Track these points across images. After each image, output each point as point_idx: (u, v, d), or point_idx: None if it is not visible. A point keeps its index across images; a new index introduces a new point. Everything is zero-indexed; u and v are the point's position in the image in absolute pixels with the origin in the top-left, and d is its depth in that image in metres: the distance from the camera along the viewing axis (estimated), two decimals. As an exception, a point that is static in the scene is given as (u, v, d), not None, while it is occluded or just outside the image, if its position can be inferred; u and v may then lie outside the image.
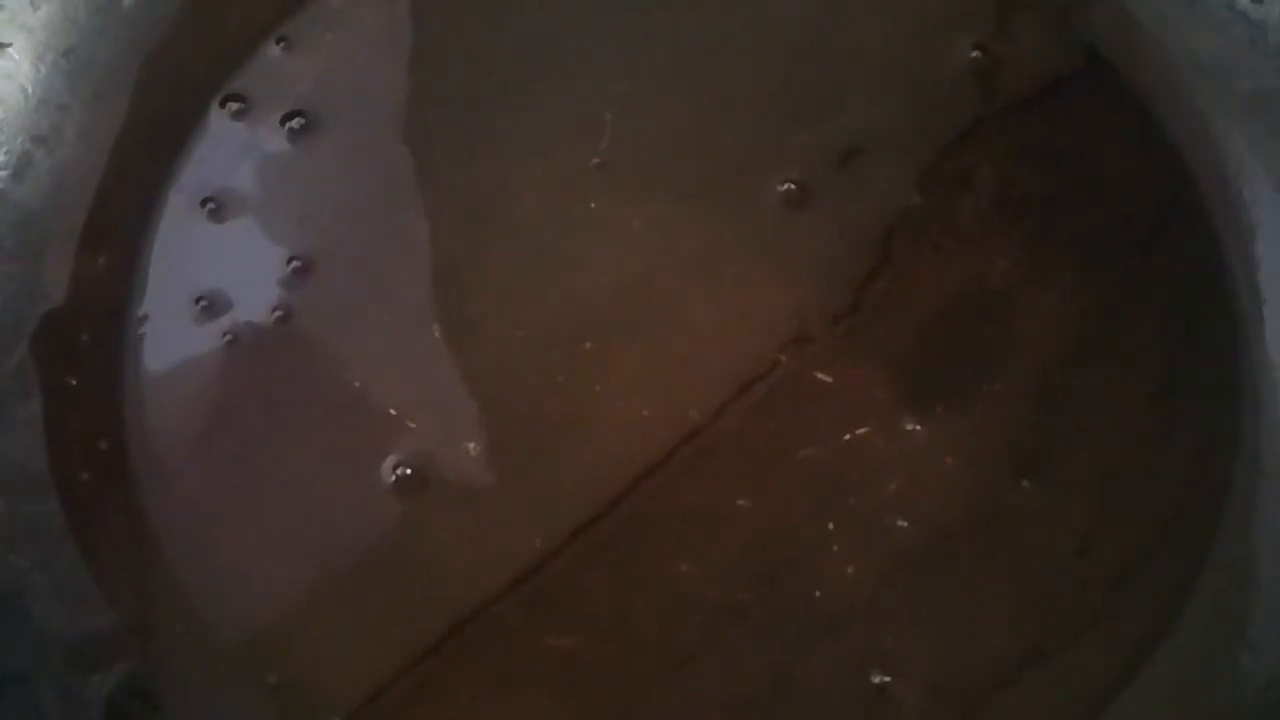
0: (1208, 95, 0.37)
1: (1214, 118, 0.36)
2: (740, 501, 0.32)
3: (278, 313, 0.35)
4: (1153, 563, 0.32)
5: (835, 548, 0.32)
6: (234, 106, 0.37)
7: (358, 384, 0.34)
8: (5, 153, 0.36)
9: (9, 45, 0.36)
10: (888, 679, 0.31)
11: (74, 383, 0.34)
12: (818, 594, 0.31)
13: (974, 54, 0.37)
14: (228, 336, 0.34)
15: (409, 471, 0.33)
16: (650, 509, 0.33)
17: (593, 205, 0.35)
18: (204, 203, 0.36)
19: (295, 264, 0.35)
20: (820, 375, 0.34)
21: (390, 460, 0.33)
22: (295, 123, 0.37)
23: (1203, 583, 0.32)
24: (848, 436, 0.33)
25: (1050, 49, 0.38)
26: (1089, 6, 0.38)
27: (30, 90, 0.36)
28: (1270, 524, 0.32)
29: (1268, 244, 0.35)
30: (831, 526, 0.32)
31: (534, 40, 0.38)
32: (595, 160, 0.36)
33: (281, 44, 0.38)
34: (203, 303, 0.35)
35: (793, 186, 0.36)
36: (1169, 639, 0.31)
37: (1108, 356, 0.34)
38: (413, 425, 0.33)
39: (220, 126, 0.37)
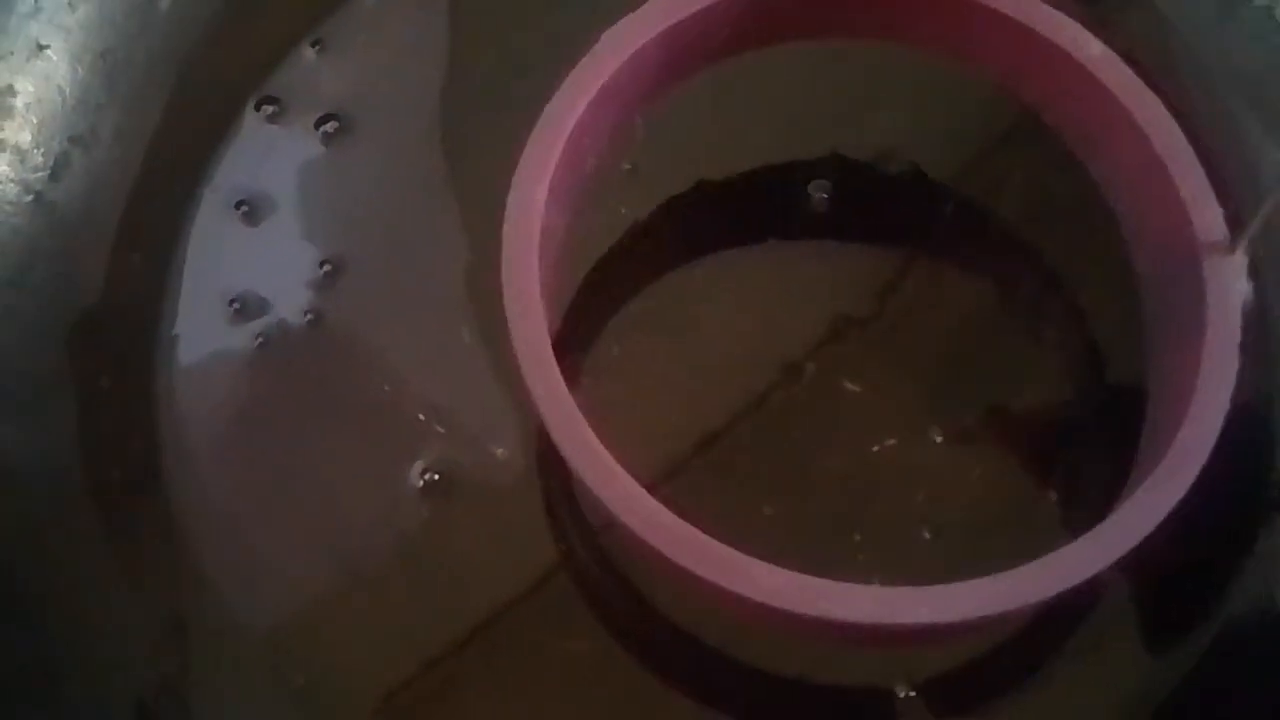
0: (1244, 105, 0.36)
1: (1250, 128, 0.36)
2: (765, 509, 0.32)
3: (309, 315, 0.35)
4: (1186, 579, 0.32)
5: (860, 558, 0.32)
6: (269, 109, 0.37)
7: (387, 388, 0.34)
8: (43, 153, 0.36)
9: (47, 46, 0.36)
10: (913, 692, 0.30)
11: (107, 382, 0.34)
12: (842, 605, 0.31)
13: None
14: (260, 338, 0.34)
15: (436, 476, 0.33)
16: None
17: (623, 210, 0.35)
18: (238, 205, 0.36)
19: (327, 267, 0.35)
20: (848, 384, 0.33)
21: (419, 465, 0.33)
22: (329, 126, 0.37)
23: (1228, 600, 0.32)
24: (875, 447, 0.33)
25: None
26: (1124, 11, 0.38)
27: (68, 91, 0.36)
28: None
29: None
30: (857, 537, 0.32)
31: (567, 42, 0.38)
32: (626, 165, 0.36)
33: (316, 46, 0.38)
34: (235, 304, 0.35)
35: (823, 194, 0.36)
36: (1194, 654, 0.31)
37: (1139, 366, 0.33)
38: (441, 430, 0.33)
39: (255, 128, 0.37)
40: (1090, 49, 0.31)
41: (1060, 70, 0.31)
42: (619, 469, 0.27)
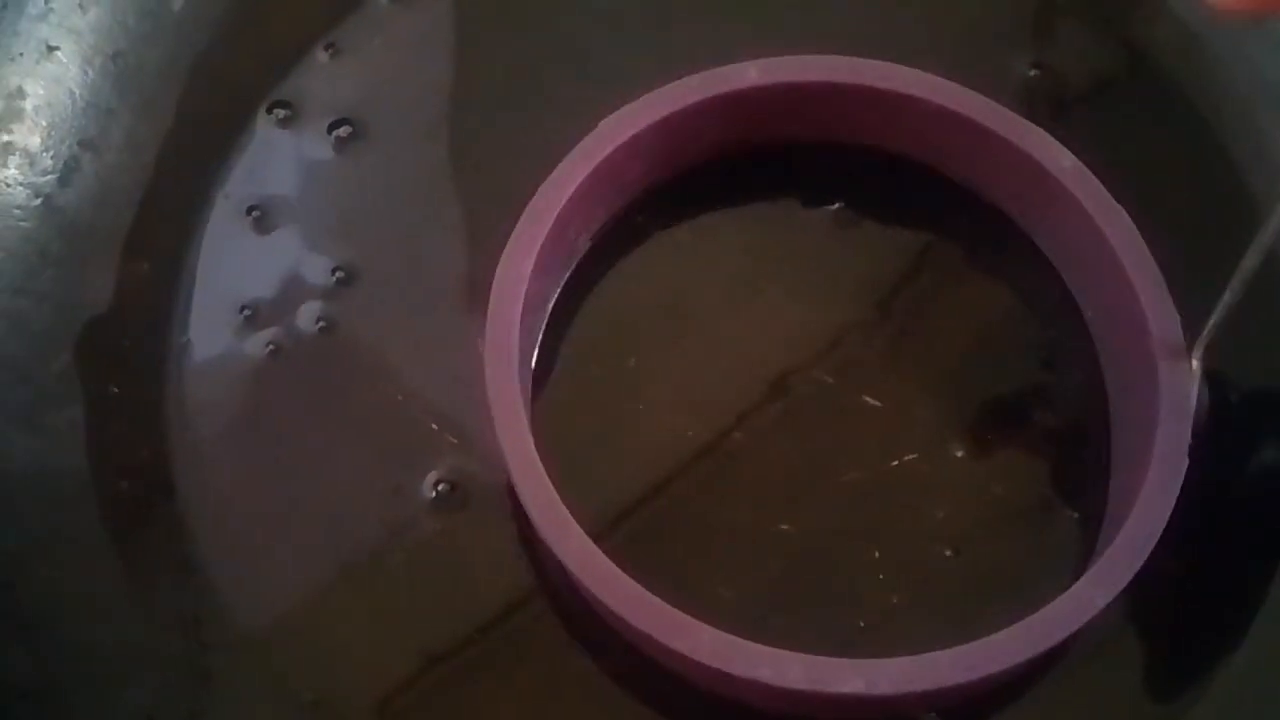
0: (1273, 116, 0.36)
1: (1277, 139, 0.35)
2: (783, 525, 0.32)
3: (321, 323, 0.34)
4: (1207, 602, 0.32)
5: (880, 576, 0.31)
6: (281, 113, 0.37)
7: (400, 396, 0.33)
8: (52, 157, 0.35)
9: (57, 49, 0.36)
10: (932, 715, 0.30)
11: (116, 390, 0.34)
12: (861, 624, 0.31)
13: (1031, 71, 0.37)
14: (270, 346, 0.34)
15: (449, 487, 0.32)
16: (691, 531, 0.32)
17: (639, 218, 0.35)
18: (249, 210, 0.36)
19: (339, 274, 0.35)
20: (867, 398, 0.33)
21: (431, 475, 0.33)
22: (342, 130, 0.36)
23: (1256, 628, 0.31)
24: (894, 462, 0.32)
25: (1110, 66, 0.37)
26: (1151, 24, 0.37)
27: (78, 94, 0.36)
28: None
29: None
30: (876, 554, 0.31)
31: (580, 46, 0.38)
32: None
33: (329, 50, 0.37)
34: (246, 312, 0.34)
35: (841, 204, 0.35)
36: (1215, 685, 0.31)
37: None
38: (454, 440, 0.33)
39: (267, 133, 0.37)
40: (1061, 161, 0.32)
41: (1031, 180, 0.33)
42: (573, 524, 0.29)
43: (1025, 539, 0.32)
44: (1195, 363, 0.30)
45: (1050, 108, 0.36)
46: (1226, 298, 0.29)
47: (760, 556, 0.32)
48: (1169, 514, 0.29)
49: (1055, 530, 0.32)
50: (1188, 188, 0.36)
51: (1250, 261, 0.28)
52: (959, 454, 0.32)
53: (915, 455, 0.32)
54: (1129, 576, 0.28)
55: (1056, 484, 0.32)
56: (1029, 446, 0.33)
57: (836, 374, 0.33)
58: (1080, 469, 0.32)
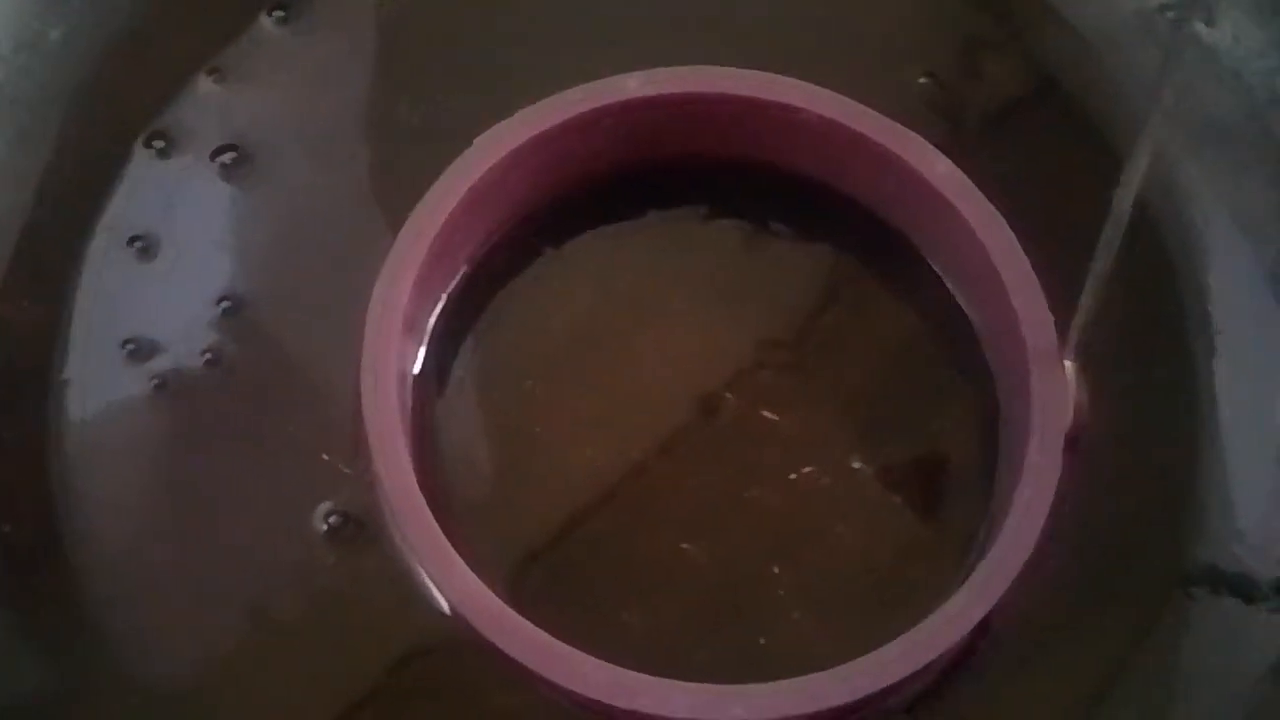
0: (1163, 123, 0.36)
1: (1168, 146, 0.36)
2: (685, 545, 0.32)
3: (207, 355, 0.33)
4: (1118, 608, 0.31)
5: (780, 592, 0.31)
6: (164, 141, 0.36)
7: (290, 428, 0.33)
8: (-73, 193, 0.35)
9: (-70, 82, 0.35)
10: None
11: (-5, 434, 0.33)
12: (762, 641, 0.30)
13: (922, 80, 0.37)
14: (155, 381, 0.33)
15: (342, 519, 0.32)
16: (593, 556, 0.32)
17: (533, 238, 0.35)
18: (131, 241, 0.35)
19: (225, 304, 0.34)
20: (767, 413, 0.33)
21: (323, 507, 0.32)
22: (226, 157, 0.36)
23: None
24: (794, 476, 0.32)
25: (1004, 76, 0.37)
26: (1039, 29, 0.37)
27: (-47, 128, 0.35)
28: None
29: (1220, 275, 0.34)
30: (777, 570, 0.31)
31: (476, 67, 0.37)
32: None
33: (214, 75, 0.37)
34: (130, 346, 0.33)
35: (743, 221, 0.35)
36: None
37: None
38: (346, 470, 0.32)
39: (150, 161, 0.36)
40: (936, 166, 0.32)
41: (910, 187, 0.33)
42: (457, 559, 0.29)
43: (929, 553, 0.32)
44: (1068, 366, 0.30)
45: (950, 122, 0.36)
46: (1084, 300, 0.29)
47: (664, 580, 0.31)
48: (1043, 521, 0.29)
49: (959, 543, 0.32)
50: (1086, 200, 0.35)
51: (1100, 264, 0.28)
52: (862, 470, 0.32)
53: (814, 469, 0.32)
54: (1004, 588, 0.28)
55: (960, 497, 0.32)
56: (933, 461, 0.33)
57: (738, 393, 0.33)
58: (983, 481, 0.32)
